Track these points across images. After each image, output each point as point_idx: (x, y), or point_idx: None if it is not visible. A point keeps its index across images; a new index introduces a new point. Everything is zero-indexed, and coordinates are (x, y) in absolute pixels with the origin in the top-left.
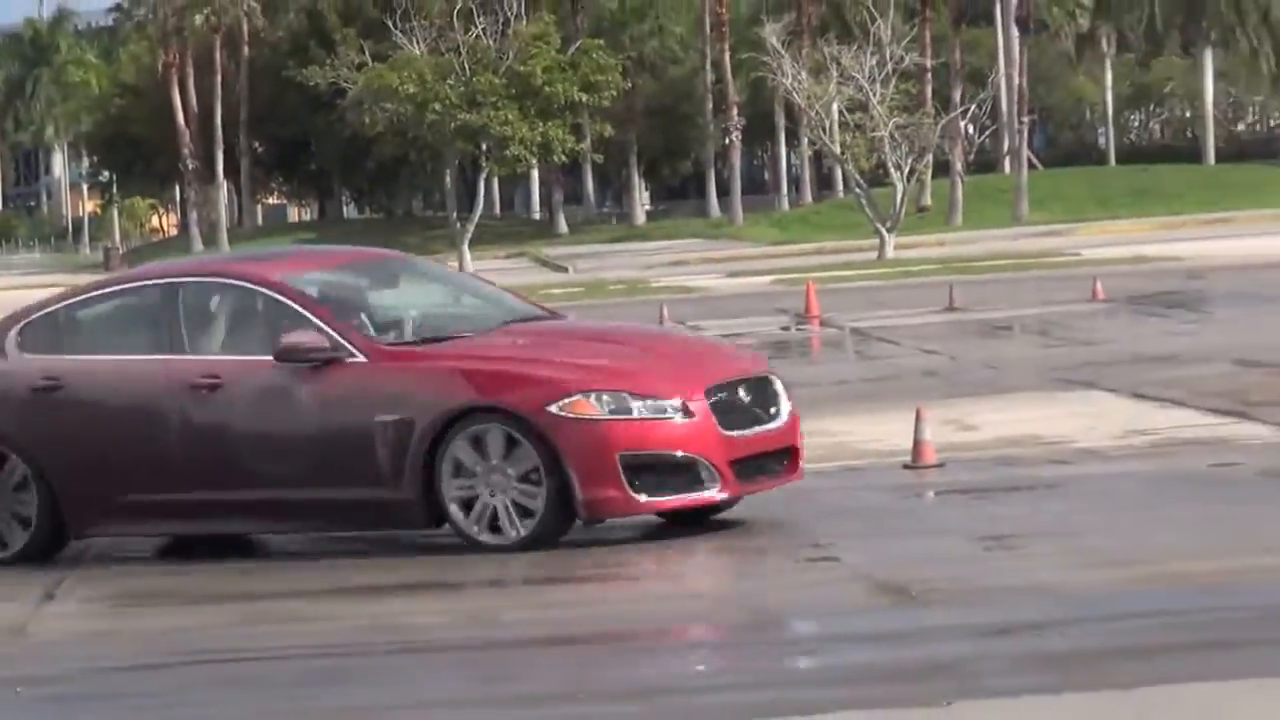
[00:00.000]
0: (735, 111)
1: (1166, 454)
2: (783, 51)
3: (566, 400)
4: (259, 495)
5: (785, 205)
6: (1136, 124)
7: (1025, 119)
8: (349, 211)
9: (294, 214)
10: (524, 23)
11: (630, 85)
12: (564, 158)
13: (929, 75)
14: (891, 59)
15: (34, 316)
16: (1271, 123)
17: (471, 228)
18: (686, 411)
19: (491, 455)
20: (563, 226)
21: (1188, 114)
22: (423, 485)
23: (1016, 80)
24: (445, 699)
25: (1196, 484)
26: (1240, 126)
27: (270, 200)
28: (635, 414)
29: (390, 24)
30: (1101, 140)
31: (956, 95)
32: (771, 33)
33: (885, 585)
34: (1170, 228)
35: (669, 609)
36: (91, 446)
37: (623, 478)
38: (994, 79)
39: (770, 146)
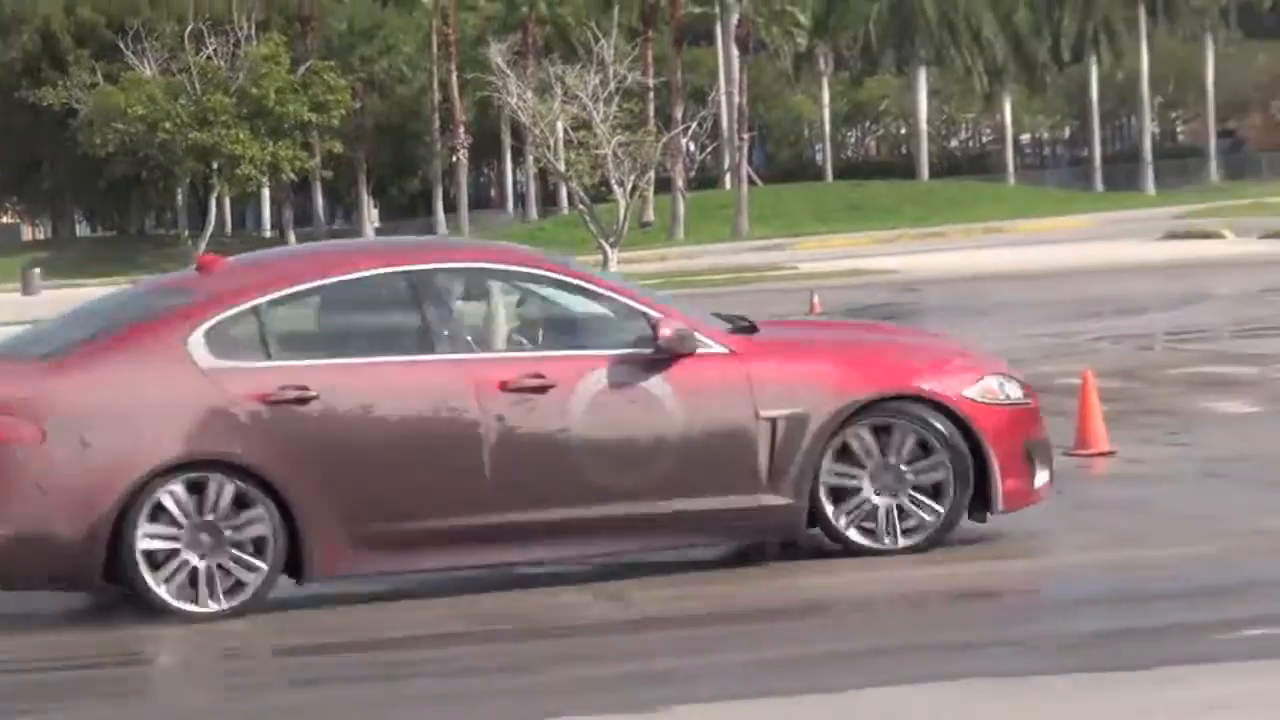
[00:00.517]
0: (462, 130)
1: None
2: (508, 71)
3: (982, 385)
4: (598, 513)
5: (511, 221)
6: (853, 141)
7: (745, 136)
8: (82, 230)
9: (27, 233)
10: (255, 44)
11: (359, 104)
12: (293, 176)
13: (651, 94)
14: (614, 78)
15: (223, 316)
16: (984, 139)
17: (203, 245)
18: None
19: (889, 450)
20: (293, 244)
21: (902, 131)
22: (810, 486)
23: (736, 98)
24: None
25: None
26: (953, 143)
27: (3, 219)
28: (1024, 399)
29: (122, 45)
30: (819, 157)
31: (678, 113)
32: (497, 53)
33: None
34: (885, 241)
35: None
36: (357, 468)
37: (1026, 466)
38: (714, 97)
39: (497, 164)
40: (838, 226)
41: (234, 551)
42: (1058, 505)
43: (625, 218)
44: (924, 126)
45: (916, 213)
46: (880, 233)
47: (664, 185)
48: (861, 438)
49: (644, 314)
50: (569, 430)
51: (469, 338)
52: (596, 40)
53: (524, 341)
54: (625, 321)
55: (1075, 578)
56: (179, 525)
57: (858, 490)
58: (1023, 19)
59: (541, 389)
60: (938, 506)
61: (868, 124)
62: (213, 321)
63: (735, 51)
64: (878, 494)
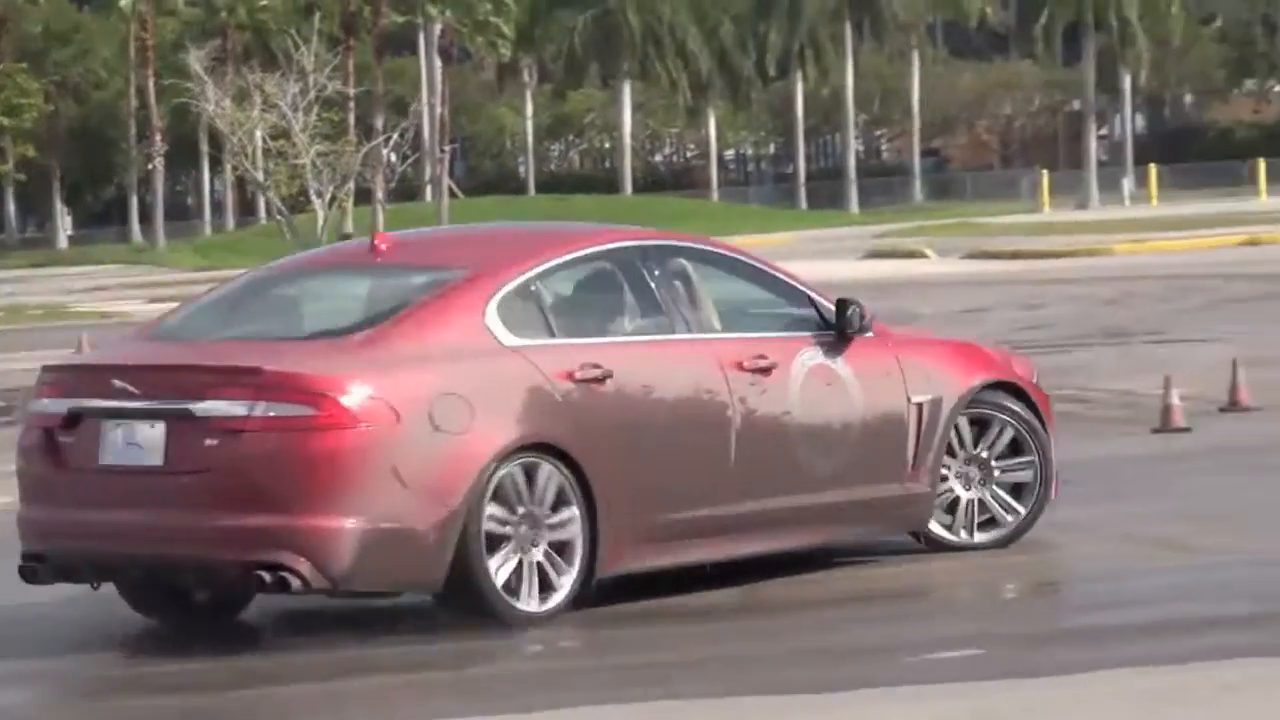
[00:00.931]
0: (159, 137)
1: None
2: (206, 78)
3: (1038, 377)
4: (803, 502)
5: (208, 231)
6: (556, 154)
7: (447, 148)
8: None
9: None
10: None
11: (53, 109)
12: None
13: (352, 103)
14: (315, 87)
15: (508, 287)
16: (688, 154)
17: None
18: None
19: (982, 442)
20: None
21: (607, 145)
22: (934, 474)
23: (439, 109)
24: None
25: None
26: (658, 158)
27: None
28: None
29: None
30: (522, 169)
31: (379, 123)
32: (196, 59)
33: None
34: None
35: None
36: (643, 454)
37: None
38: (416, 108)
39: (194, 172)
40: None
41: (548, 547)
42: None
43: (324, 229)
44: (628, 141)
45: None
46: None
47: (364, 196)
48: (959, 428)
49: (810, 296)
50: (786, 415)
51: (710, 316)
52: (297, 48)
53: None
54: (793, 303)
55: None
56: (514, 513)
57: (944, 479)
58: (728, 33)
59: (766, 370)
60: (1018, 505)
61: (571, 137)
62: (500, 296)
63: (438, 62)
64: (963, 486)
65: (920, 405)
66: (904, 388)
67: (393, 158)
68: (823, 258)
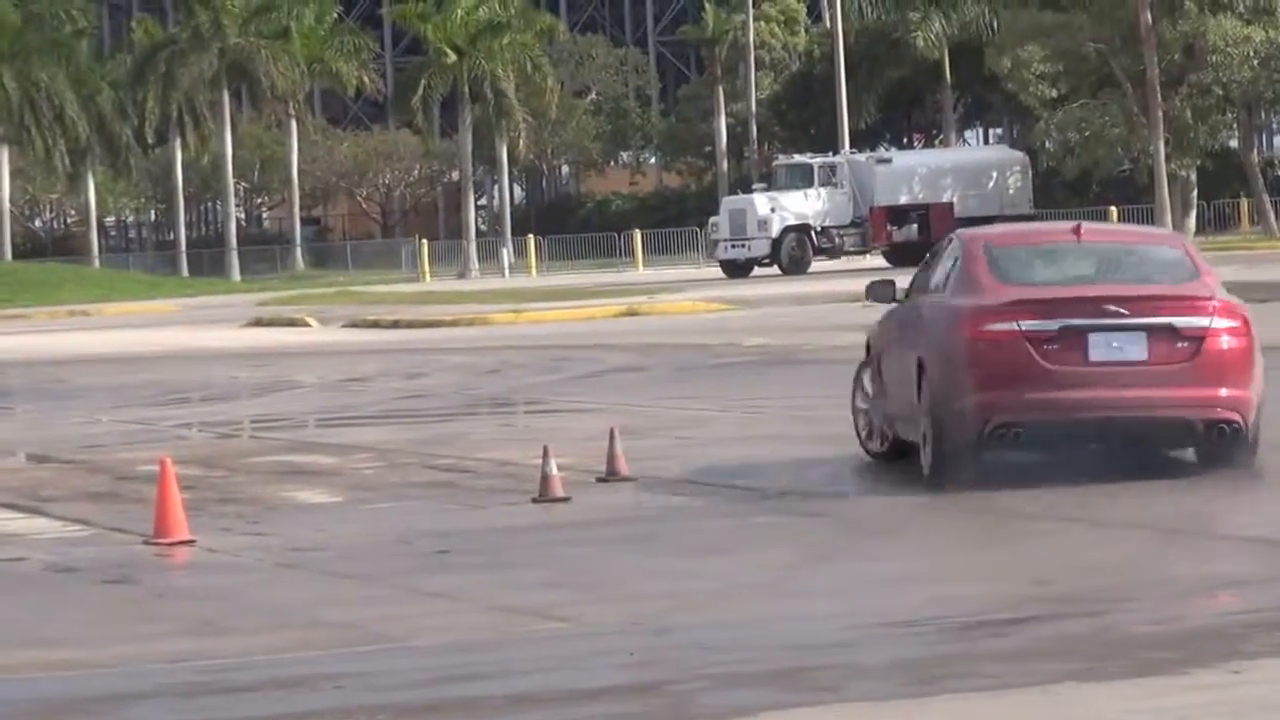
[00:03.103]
0: None
1: None
2: None
3: None
4: None
5: None
6: None
7: None
8: None
9: None
10: None
11: None
12: None
13: None
14: None
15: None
16: (69, 220)
17: None
18: None
19: None
20: None
21: None
22: None
23: None
24: None
25: None
26: (38, 223)
27: None
28: None
29: None
30: None
31: None
32: None
33: None
34: None
35: None
36: None
37: None
38: None
39: None
40: None
41: None
42: (132, 594)
43: None
44: (7, 205)
45: (0, 293)
46: None
47: None
48: None
49: None
50: None
51: None
52: None
53: None
54: None
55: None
56: None
57: None
58: (106, 99)
59: None
60: None
61: None
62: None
63: None
64: None
65: None
66: None
67: None
68: (204, 326)
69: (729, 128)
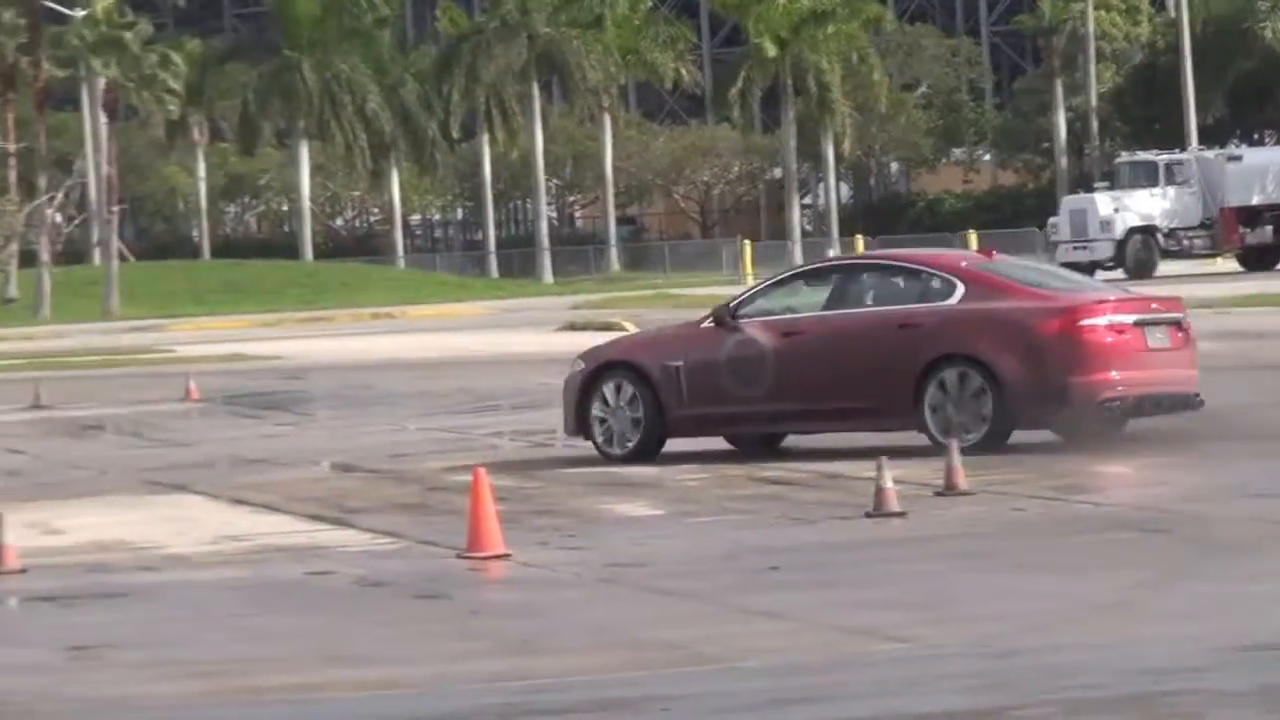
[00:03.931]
0: None
1: (260, 561)
2: None
3: None
4: None
5: None
6: (231, 216)
7: (115, 208)
8: None
9: None
10: None
11: None
12: None
13: (13, 160)
14: None
15: None
16: (371, 219)
17: None
18: None
19: None
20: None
21: (285, 207)
22: None
23: (105, 168)
24: None
25: (290, 593)
26: (339, 222)
27: None
28: None
29: None
30: (195, 233)
31: (42, 182)
32: None
33: None
34: (268, 325)
35: None
36: None
37: None
38: (81, 166)
39: None
40: (216, 308)
41: None
42: (445, 610)
43: None
44: (307, 204)
45: (302, 295)
46: (263, 315)
47: (28, 259)
48: None
49: None
50: None
51: None
52: None
53: None
54: None
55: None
56: None
57: None
58: (410, 92)
59: None
60: None
61: (247, 199)
62: None
63: (103, 118)
64: None
65: None
66: None
67: (58, 218)
68: (515, 330)
69: (1068, 122)
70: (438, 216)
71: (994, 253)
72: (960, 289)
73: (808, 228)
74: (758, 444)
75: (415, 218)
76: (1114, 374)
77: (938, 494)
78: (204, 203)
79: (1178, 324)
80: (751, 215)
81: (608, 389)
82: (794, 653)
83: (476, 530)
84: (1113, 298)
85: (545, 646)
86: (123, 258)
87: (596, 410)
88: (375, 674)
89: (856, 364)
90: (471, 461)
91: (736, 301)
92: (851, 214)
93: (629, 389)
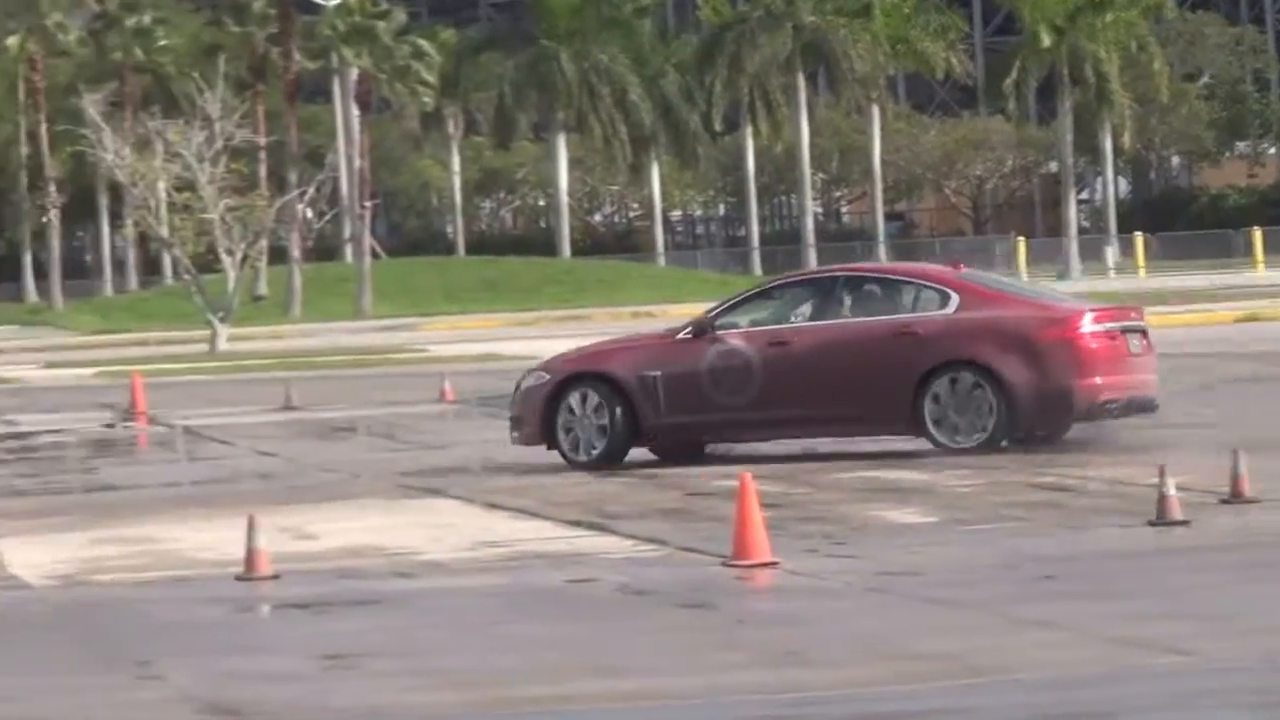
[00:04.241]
0: (53, 188)
1: (518, 567)
2: (103, 124)
3: None
4: None
5: (109, 291)
6: (487, 212)
7: (367, 204)
8: None
9: None
10: None
11: None
12: None
13: (263, 154)
14: (222, 135)
15: None
16: (631, 214)
17: None
18: None
19: None
20: None
21: (541, 202)
22: None
23: (357, 161)
24: None
25: (550, 600)
26: (598, 217)
27: None
28: None
29: None
30: (449, 229)
31: (293, 176)
32: (90, 103)
33: (216, 707)
34: (523, 324)
35: None
36: None
37: None
38: (332, 160)
39: (93, 227)
40: (470, 306)
41: None
42: (710, 619)
43: (235, 290)
44: (565, 199)
45: (558, 293)
46: (518, 314)
47: (278, 255)
48: None
49: None
50: None
51: None
52: (201, 93)
53: None
54: None
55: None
56: None
57: None
58: (671, 83)
59: None
60: None
61: (503, 194)
62: None
63: (355, 110)
64: None
65: None
66: None
67: (309, 214)
68: None
69: None
70: (699, 212)
71: (961, 265)
72: (955, 298)
73: (1084, 224)
74: (682, 453)
75: (675, 213)
76: (1109, 378)
77: (1223, 502)
78: (458, 198)
79: (1144, 332)
80: (1026, 211)
81: (574, 399)
82: (1071, 666)
83: (742, 537)
84: (1102, 307)
85: (813, 658)
86: (375, 254)
87: (563, 419)
88: (637, 685)
89: (854, 371)
90: (736, 466)
91: (714, 313)
92: (1130, 210)
93: (594, 398)
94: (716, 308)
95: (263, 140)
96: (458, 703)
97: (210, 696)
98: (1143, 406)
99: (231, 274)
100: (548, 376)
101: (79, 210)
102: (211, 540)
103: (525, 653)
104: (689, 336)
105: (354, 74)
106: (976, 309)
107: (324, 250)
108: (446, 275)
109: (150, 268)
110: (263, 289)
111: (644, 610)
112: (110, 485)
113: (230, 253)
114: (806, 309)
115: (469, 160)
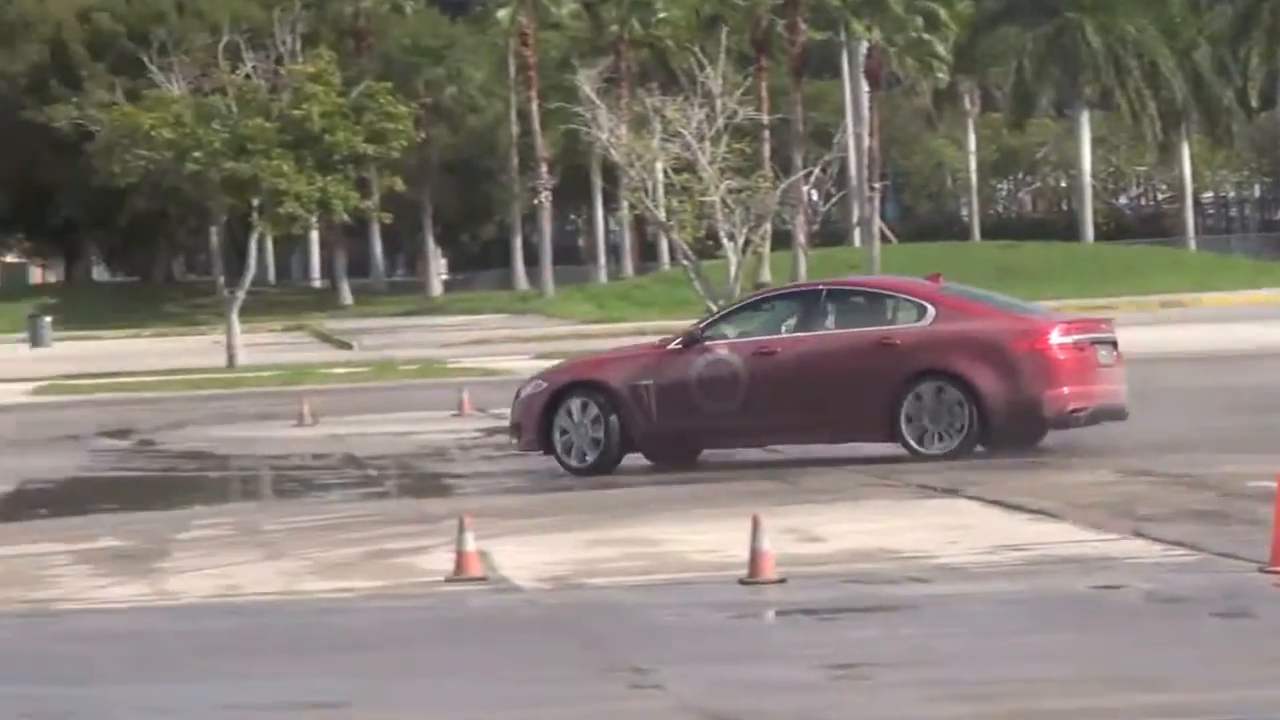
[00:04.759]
0: (545, 169)
1: (1040, 572)
2: (598, 101)
3: None
4: None
5: (603, 277)
6: (1004, 194)
7: (877, 185)
8: (100, 273)
9: (36, 275)
10: (299, 60)
11: (424, 136)
12: (347, 217)
13: (766, 133)
14: (723, 113)
15: None
16: (1158, 196)
17: (242, 295)
18: None
19: None
20: (347, 297)
21: (1062, 184)
22: None
23: (867, 141)
24: None
25: (1073, 608)
26: (1122, 200)
27: (8, 258)
28: None
29: (146, 59)
30: (964, 211)
31: (798, 157)
32: (585, 79)
33: (717, 718)
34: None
35: None
36: None
37: None
38: (840, 139)
39: (586, 210)
40: None
41: None
42: (1248, 628)
43: (737, 277)
44: (1088, 180)
45: (1079, 281)
46: (1038, 302)
47: (782, 240)
48: None
49: None
50: None
51: None
52: (701, 68)
53: None
54: None
55: None
56: None
57: None
58: (1203, 55)
59: None
60: None
61: (1021, 175)
62: None
63: (865, 86)
64: None
65: None
66: None
67: (814, 196)
68: None
69: None
70: (1232, 194)
71: (941, 279)
72: (931, 311)
73: None
74: (677, 458)
75: (1207, 195)
76: (1078, 387)
77: None
78: (974, 179)
79: (1114, 343)
80: None
81: (573, 406)
82: None
83: None
84: (1073, 319)
85: None
86: (884, 239)
87: (560, 425)
88: (1167, 699)
89: (835, 380)
90: (1273, 465)
91: (704, 324)
92: None
93: (593, 408)
94: (707, 319)
95: (766, 118)
96: (972, 715)
97: (711, 707)
98: (1111, 414)
99: (733, 259)
100: (545, 385)
101: (571, 192)
102: (714, 541)
103: (1046, 663)
104: (680, 347)
105: (863, 47)
106: (952, 321)
107: (831, 235)
108: (960, 260)
109: (646, 253)
110: (766, 275)
111: (1174, 619)
112: (606, 484)
113: (731, 237)
114: (793, 321)
115: (985, 139)
